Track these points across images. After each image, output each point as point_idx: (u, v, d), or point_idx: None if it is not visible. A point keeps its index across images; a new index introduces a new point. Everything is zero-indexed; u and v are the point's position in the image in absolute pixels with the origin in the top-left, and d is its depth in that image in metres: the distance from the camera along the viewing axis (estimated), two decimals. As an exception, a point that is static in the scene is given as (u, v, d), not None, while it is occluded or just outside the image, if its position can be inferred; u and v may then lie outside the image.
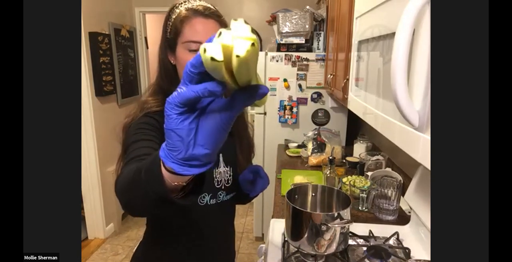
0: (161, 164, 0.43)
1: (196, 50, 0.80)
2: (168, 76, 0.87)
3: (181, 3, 0.84)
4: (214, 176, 0.89)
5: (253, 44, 0.31)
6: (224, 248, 1.00)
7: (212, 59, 0.32)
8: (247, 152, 0.99)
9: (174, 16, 0.83)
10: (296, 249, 1.04)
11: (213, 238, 0.94)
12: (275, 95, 2.47)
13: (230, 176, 0.93)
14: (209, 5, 0.85)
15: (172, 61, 0.86)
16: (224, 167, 0.91)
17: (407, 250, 1.05)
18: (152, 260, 0.94)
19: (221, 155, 0.91)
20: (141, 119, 0.82)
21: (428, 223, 1.02)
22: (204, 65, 0.34)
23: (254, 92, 0.36)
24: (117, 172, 0.79)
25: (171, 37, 0.83)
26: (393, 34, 0.51)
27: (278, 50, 2.47)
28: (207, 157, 0.40)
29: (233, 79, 0.35)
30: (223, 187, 0.91)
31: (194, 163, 0.40)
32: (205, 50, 0.32)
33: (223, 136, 0.39)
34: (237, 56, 0.31)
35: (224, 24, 0.85)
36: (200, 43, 0.78)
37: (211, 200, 0.89)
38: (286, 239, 1.09)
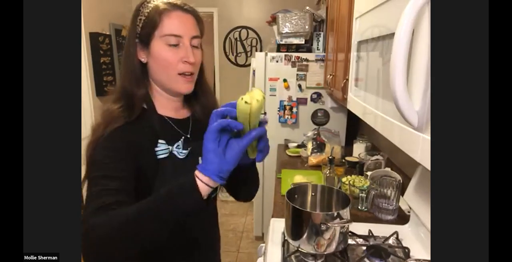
0: (195, 181, 0.61)
1: (176, 45, 0.77)
2: (134, 77, 0.80)
3: (148, 0, 0.79)
4: None
5: (263, 98, 0.61)
6: (208, 239, 0.96)
7: (246, 102, 0.58)
8: None
9: (147, 10, 0.77)
10: (296, 249, 1.05)
11: (196, 229, 0.89)
12: (275, 95, 2.48)
13: None
14: (184, 2, 0.82)
15: (142, 59, 0.80)
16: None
17: (406, 250, 1.05)
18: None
19: (200, 158, 0.75)
20: (108, 142, 0.73)
21: (427, 223, 1.02)
22: (238, 108, 0.60)
23: (258, 133, 0.63)
24: (85, 209, 0.67)
25: (145, 31, 0.77)
26: (393, 34, 0.51)
27: (278, 50, 2.48)
28: (229, 171, 0.62)
29: (247, 122, 0.61)
30: None
31: (222, 175, 0.61)
32: (242, 99, 0.59)
33: (239, 158, 0.62)
34: (257, 100, 0.59)
35: (200, 21, 0.83)
36: (180, 37, 0.77)
37: None
38: (286, 238, 1.09)
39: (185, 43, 0.78)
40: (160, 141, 0.79)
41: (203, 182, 0.61)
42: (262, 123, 0.66)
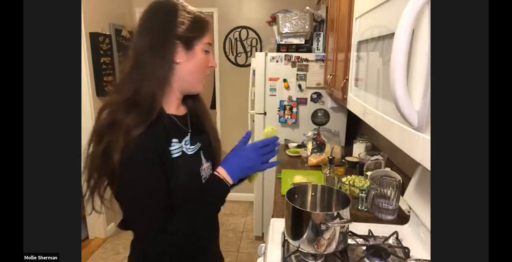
0: (228, 186, 0.84)
1: (208, 52, 0.84)
2: (165, 77, 0.78)
3: (184, 5, 0.82)
4: (201, 173, 0.88)
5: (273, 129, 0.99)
6: (211, 240, 1.01)
7: (272, 128, 0.97)
8: (218, 145, 0.98)
9: (189, 16, 0.80)
10: (296, 249, 1.05)
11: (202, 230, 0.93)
12: (275, 95, 2.48)
13: (210, 169, 0.92)
14: None
15: (179, 60, 0.79)
16: (205, 162, 0.91)
17: (406, 250, 1.05)
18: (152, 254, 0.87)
19: (201, 152, 0.89)
20: (139, 155, 0.73)
21: (427, 223, 1.02)
22: (268, 132, 0.96)
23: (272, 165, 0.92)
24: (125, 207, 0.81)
25: (192, 35, 0.79)
26: (393, 34, 0.51)
27: (278, 50, 2.48)
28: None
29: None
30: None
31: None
32: (270, 127, 0.98)
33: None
34: (272, 128, 0.98)
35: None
36: (211, 46, 0.86)
37: None
38: (286, 238, 1.09)
39: (211, 51, 0.86)
40: (173, 140, 0.81)
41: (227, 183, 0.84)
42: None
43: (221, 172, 0.83)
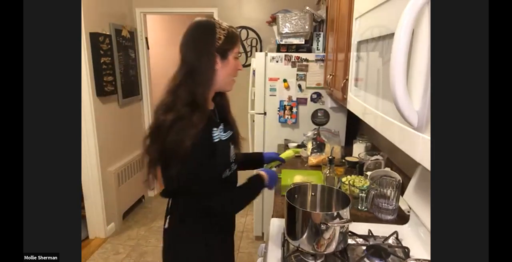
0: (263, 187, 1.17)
1: (237, 58, 1.08)
2: (212, 82, 1.03)
3: (219, 21, 1.04)
4: (230, 154, 1.13)
5: (296, 152, 1.61)
6: (232, 229, 1.27)
7: (293, 151, 1.57)
8: (238, 132, 1.23)
9: (224, 32, 1.02)
10: (296, 248, 1.05)
11: None
12: (275, 95, 2.48)
13: (234, 152, 1.17)
14: None
15: (217, 68, 1.03)
16: (231, 146, 1.15)
17: (406, 249, 1.05)
18: (183, 233, 1.11)
19: (230, 138, 1.14)
20: (205, 141, 1.01)
21: (427, 223, 1.02)
22: (289, 154, 1.55)
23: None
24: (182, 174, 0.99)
25: (226, 47, 1.03)
26: (393, 34, 0.51)
27: (278, 50, 2.48)
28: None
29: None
30: (233, 161, 1.16)
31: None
32: (292, 151, 1.57)
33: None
34: (293, 151, 1.57)
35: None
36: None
37: (228, 172, 1.13)
38: (286, 238, 1.09)
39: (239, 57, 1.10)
40: (214, 129, 1.05)
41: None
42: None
43: (263, 173, 1.18)
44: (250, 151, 2.59)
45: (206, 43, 1.01)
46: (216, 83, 1.05)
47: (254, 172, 1.22)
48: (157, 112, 1.00)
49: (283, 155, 1.50)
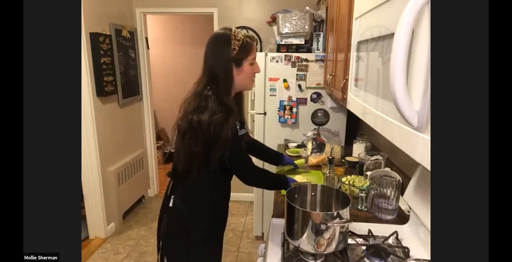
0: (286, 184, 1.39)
1: (253, 64, 1.24)
2: (227, 85, 1.19)
3: (235, 32, 1.20)
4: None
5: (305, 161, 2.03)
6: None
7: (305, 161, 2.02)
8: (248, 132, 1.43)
9: (239, 42, 1.18)
10: (295, 248, 1.05)
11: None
12: (275, 95, 2.48)
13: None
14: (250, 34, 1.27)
15: (233, 73, 1.20)
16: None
17: (406, 249, 1.05)
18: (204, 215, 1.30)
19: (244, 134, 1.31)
20: (239, 137, 1.24)
21: (427, 223, 1.02)
22: (301, 162, 1.98)
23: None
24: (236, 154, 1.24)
25: (240, 56, 1.19)
26: (393, 34, 0.51)
27: (278, 51, 2.48)
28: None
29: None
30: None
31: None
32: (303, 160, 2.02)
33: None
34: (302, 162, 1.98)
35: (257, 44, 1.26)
36: (255, 59, 1.26)
37: None
38: (286, 238, 1.09)
39: (256, 62, 1.27)
40: (237, 123, 1.23)
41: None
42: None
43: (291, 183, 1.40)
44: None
45: (222, 53, 1.18)
46: (235, 85, 1.23)
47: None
48: (189, 113, 1.15)
49: (297, 162, 1.89)
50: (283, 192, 1.61)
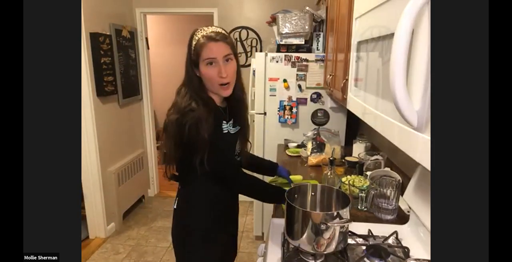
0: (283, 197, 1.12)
1: (211, 63, 1.10)
2: (195, 85, 1.14)
3: (198, 31, 1.11)
4: (236, 147, 1.27)
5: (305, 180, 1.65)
6: (235, 222, 1.45)
7: (302, 179, 1.67)
8: (248, 130, 1.36)
9: (194, 42, 1.10)
10: (296, 248, 1.05)
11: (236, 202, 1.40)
12: (275, 95, 2.48)
13: (239, 146, 1.31)
14: (218, 30, 1.12)
15: (197, 74, 1.14)
16: (238, 140, 1.29)
17: (406, 249, 1.05)
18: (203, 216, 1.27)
19: (238, 133, 1.27)
20: (217, 131, 1.16)
21: (427, 222, 1.02)
22: (299, 178, 1.66)
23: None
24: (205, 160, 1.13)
25: (195, 58, 1.11)
26: (392, 34, 0.51)
27: (278, 51, 2.48)
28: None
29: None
30: (236, 154, 1.29)
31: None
32: (301, 177, 1.70)
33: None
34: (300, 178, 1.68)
35: (231, 44, 1.12)
36: (214, 58, 1.09)
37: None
38: (286, 238, 1.09)
39: (219, 62, 1.10)
40: (223, 121, 1.19)
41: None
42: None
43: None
44: (250, 152, 2.59)
45: (186, 56, 1.15)
46: (207, 88, 1.17)
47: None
48: (167, 113, 1.14)
49: (293, 177, 1.59)
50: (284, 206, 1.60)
